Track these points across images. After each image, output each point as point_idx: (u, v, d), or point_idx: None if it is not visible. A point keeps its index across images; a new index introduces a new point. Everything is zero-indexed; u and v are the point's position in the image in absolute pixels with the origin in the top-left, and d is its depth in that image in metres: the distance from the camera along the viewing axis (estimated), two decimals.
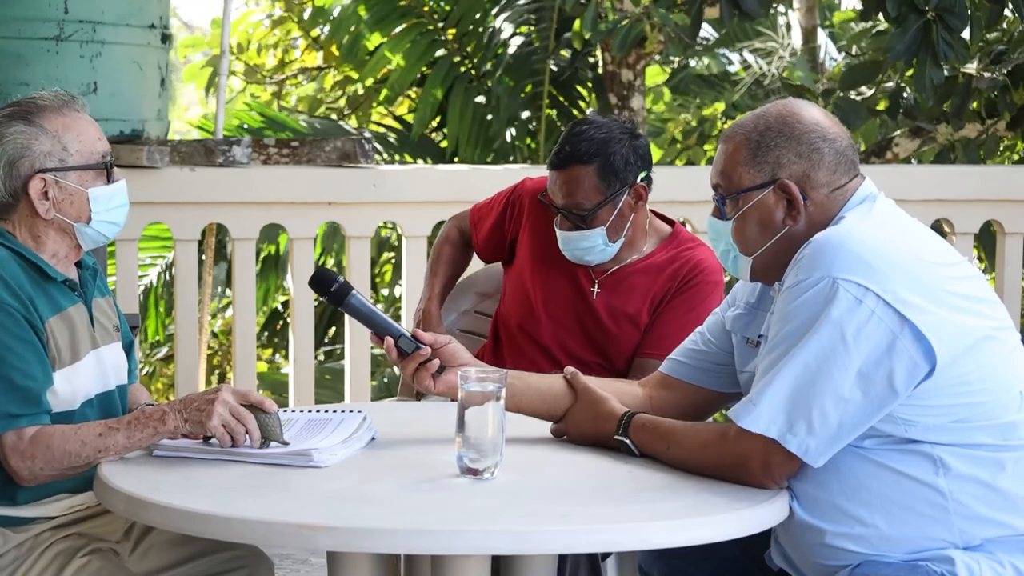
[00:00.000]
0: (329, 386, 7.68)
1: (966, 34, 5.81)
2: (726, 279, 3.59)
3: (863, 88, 6.60)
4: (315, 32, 10.09)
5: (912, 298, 2.38)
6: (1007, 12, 6.29)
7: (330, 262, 8.75)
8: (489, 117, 8.85)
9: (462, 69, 8.96)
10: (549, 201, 3.54)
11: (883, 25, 6.55)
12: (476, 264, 4.01)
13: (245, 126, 8.74)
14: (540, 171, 3.81)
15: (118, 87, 4.93)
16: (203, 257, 5.96)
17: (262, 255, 8.89)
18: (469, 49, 8.99)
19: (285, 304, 9.23)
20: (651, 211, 3.63)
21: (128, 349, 2.99)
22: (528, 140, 9.09)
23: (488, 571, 2.41)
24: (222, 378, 8.99)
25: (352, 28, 9.15)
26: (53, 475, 2.66)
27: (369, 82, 9.59)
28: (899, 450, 2.43)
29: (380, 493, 2.43)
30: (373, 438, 2.76)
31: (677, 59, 10.10)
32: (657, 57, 8.69)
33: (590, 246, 3.51)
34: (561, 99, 9.04)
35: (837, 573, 2.48)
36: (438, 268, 3.89)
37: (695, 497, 2.42)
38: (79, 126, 2.79)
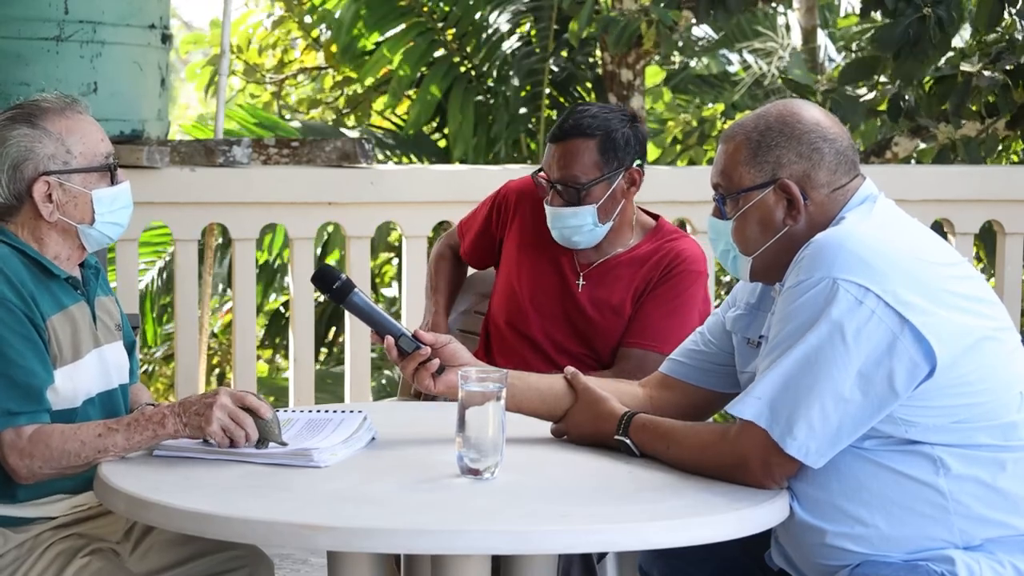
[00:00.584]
0: (329, 390, 7.68)
1: (965, 33, 5.81)
2: (726, 279, 3.59)
3: (863, 89, 6.60)
4: (315, 32, 10.09)
5: (912, 298, 2.38)
6: (1007, 15, 6.29)
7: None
8: (489, 117, 8.84)
9: (462, 69, 8.96)
10: (544, 178, 3.55)
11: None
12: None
13: (239, 127, 8.72)
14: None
15: (118, 87, 4.93)
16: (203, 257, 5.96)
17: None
18: (469, 49, 8.99)
19: (286, 304, 9.22)
20: (638, 207, 3.65)
21: (130, 349, 2.99)
22: (528, 140, 9.09)
23: (488, 571, 2.41)
24: (222, 379, 8.98)
25: (353, 30, 9.14)
26: (51, 474, 2.66)
27: (369, 82, 9.59)
28: (899, 451, 2.43)
29: (380, 493, 2.43)
30: (373, 438, 2.76)
31: (677, 59, 10.09)
32: (657, 57, 8.68)
33: (579, 224, 3.50)
34: (561, 99, 9.04)
35: (837, 573, 2.48)
36: (438, 283, 3.90)
37: (695, 497, 2.42)
38: (82, 128, 2.79)
